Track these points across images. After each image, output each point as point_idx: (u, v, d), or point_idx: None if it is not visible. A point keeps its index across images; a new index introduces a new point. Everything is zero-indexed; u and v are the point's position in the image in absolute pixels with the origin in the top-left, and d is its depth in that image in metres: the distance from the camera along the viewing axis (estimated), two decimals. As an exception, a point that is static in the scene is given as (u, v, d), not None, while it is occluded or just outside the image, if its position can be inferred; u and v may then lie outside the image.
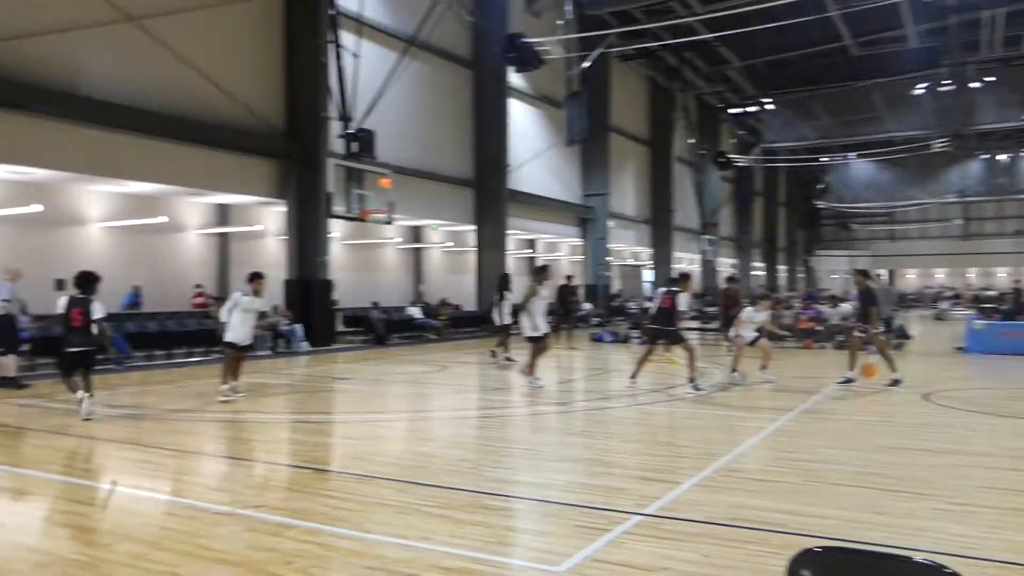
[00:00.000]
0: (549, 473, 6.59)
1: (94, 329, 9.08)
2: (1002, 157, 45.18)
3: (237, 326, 10.69)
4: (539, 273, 12.43)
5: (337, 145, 18.55)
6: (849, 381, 11.72)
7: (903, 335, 20.82)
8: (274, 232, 21.86)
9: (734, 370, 12.39)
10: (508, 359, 15.83)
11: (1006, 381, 13.67)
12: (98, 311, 8.99)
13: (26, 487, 6.23)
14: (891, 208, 55.30)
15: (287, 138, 19.55)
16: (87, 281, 9.13)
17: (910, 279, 64.44)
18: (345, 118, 18.02)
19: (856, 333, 12.29)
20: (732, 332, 13.02)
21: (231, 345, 10.73)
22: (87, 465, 7.16)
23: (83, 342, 9.01)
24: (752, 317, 12.64)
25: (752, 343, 12.48)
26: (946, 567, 1.97)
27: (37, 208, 15.74)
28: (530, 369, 12.02)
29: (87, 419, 8.74)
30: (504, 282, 16.64)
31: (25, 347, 13.58)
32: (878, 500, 5.56)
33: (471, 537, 4.69)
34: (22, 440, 8.11)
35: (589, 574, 4.12)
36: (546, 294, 12.19)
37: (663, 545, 4.54)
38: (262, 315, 11.43)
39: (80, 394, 8.95)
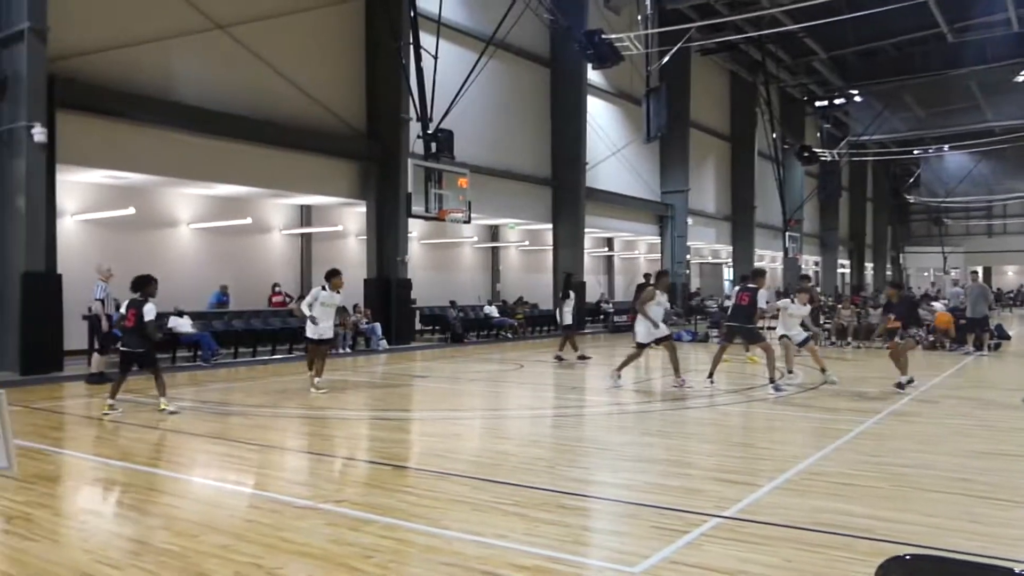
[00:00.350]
0: (626, 473, 6.52)
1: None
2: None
3: (318, 321, 11.06)
4: (660, 277, 12.33)
5: (416, 146, 18.81)
6: (908, 383, 11.18)
7: (1002, 335, 19.88)
8: (355, 232, 22.30)
9: (790, 371, 12.06)
10: (582, 357, 15.79)
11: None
12: (148, 313, 9.19)
13: (119, 478, 6.51)
14: (989, 202, 52.91)
15: (368, 140, 19.93)
16: (140, 284, 9.38)
17: (1009, 276, 61.49)
18: (424, 119, 18.23)
19: (896, 340, 11.60)
20: (778, 331, 12.15)
21: (313, 340, 11.12)
22: (175, 458, 7.44)
23: (133, 343, 9.34)
24: (788, 308, 11.83)
25: (802, 344, 11.83)
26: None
27: (130, 211, 16.45)
28: (618, 369, 12.00)
29: (106, 417, 9.09)
30: (567, 282, 16.55)
31: (118, 345, 14.21)
32: (972, 508, 5.31)
33: (547, 536, 4.68)
34: (114, 433, 8.47)
35: (666, 576, 4.07)
36: (664, 300, 12.01)
37: (742, 548, 4.44)
38: (340, 310, 11.72)
39: (110, 400, 9.31)
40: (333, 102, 19.11)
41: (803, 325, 12.12)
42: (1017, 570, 1.98)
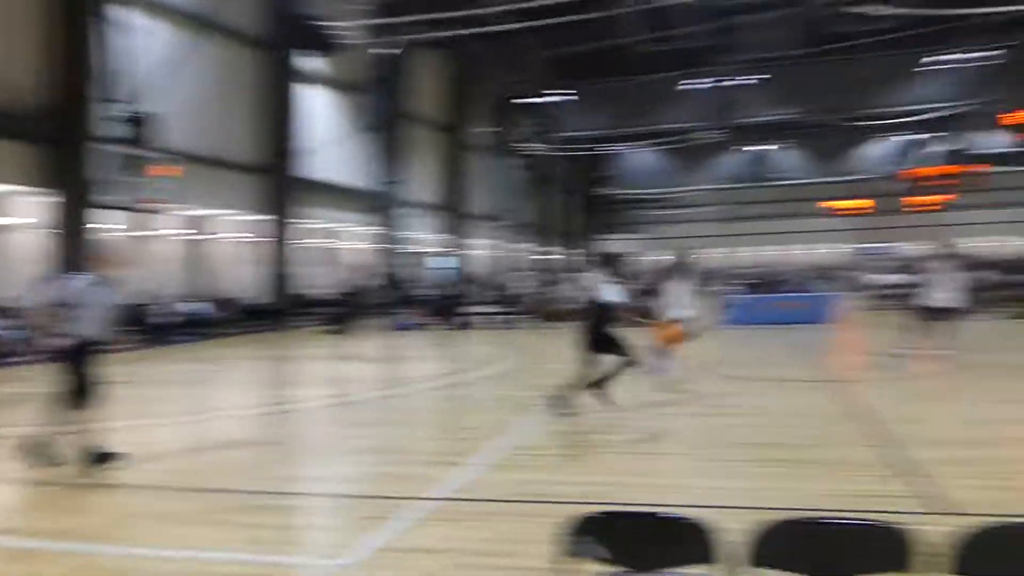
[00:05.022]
0: (336, 466, 6.48)
1: None
2: (768, 148, 50.81)
3: None
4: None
5: (116, 129, 16.98)
6: None
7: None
8: (34, 225, 19.72)
9: None
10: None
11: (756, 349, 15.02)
12: None
13: None
14: (672, 193, 59.10)
15: (50, 120, 17.67)
16: None
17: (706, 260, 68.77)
18: (117, 100, 16.52)
19: None
20: None
21: None
22: None
23: None
24: None
25: None
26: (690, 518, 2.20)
27: None
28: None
29: None
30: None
31: None
32: (645, 464, 6.01)
33: (250, 540, 4.48)
34: None
35: (381, 563, 4.07)
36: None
37: (454, 527, 4.58)
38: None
39: None
40: (2, 75, 16.70)
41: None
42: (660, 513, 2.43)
